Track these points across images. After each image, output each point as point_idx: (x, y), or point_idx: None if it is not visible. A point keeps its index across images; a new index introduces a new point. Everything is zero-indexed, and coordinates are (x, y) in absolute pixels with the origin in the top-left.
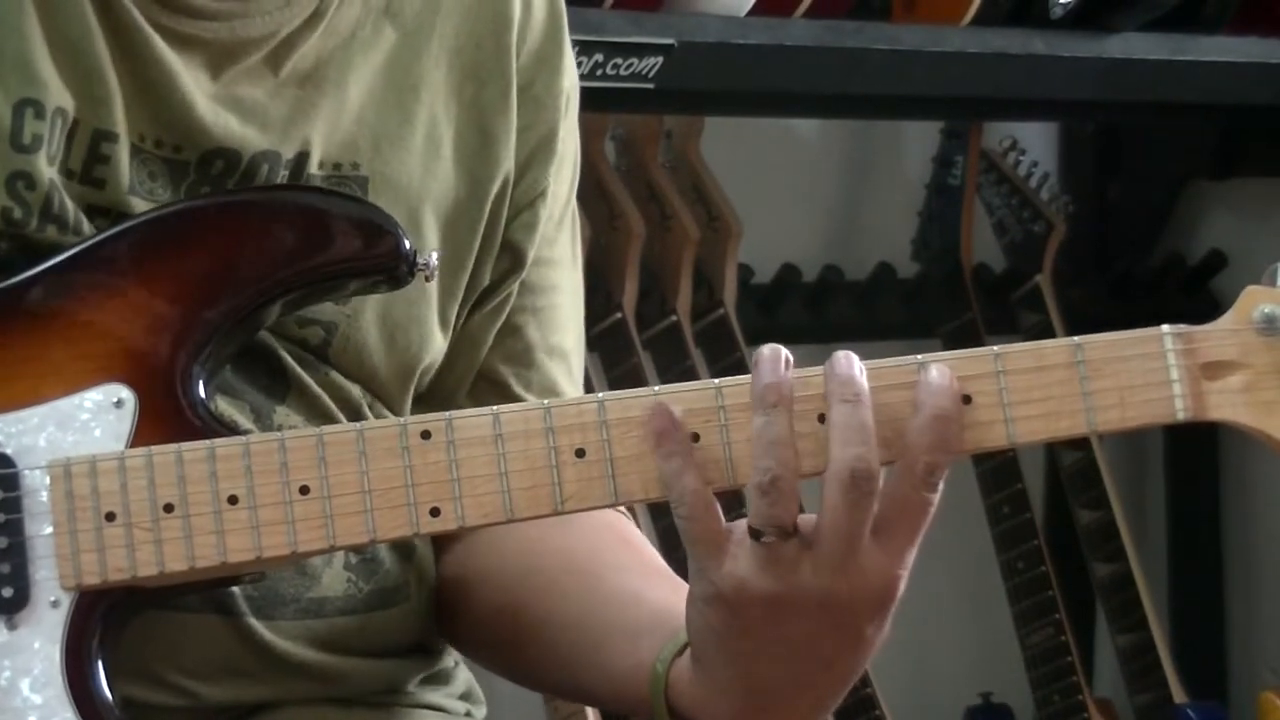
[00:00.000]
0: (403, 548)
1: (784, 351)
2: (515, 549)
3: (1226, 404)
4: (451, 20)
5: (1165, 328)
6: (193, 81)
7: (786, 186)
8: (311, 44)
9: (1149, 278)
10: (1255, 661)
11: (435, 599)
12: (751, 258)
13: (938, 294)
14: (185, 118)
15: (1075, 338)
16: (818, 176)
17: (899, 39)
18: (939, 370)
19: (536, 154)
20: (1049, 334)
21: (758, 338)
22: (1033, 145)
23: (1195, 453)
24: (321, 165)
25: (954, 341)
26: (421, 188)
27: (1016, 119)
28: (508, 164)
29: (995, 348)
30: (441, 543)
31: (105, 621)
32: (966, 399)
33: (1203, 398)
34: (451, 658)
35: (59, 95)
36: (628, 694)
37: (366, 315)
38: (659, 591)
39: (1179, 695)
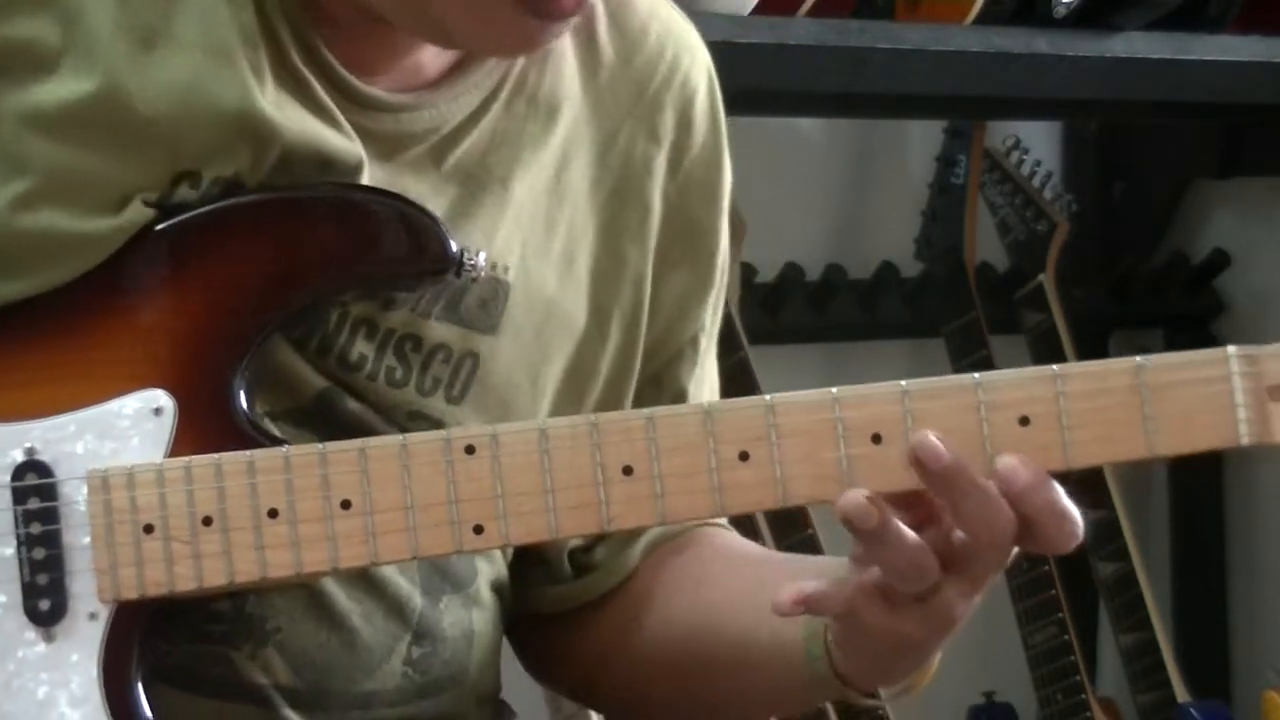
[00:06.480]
0: (468, 633)
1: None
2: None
3: None
4: (607, 129)
5: (1231, 349)
6: (367, 170)
7: (789, 185)
8: (475, 140)
9: (1152, 277)
10: (1258, 660)
11: (573, 673)
12: (754, 256)
13: (941, 293)
14: None
15: (1138, 358)
16: (821, 175)
17: (902, 38)
18: (1032, 476)
19: (695, 289)
20: (1053, 333)
21: (761, 336)
22: (1036, 144)
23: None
24: None
25: (957, 341)
26: (552, 302)
27: (1020, 118)
28: (642, 295)
29: (1055, 367)
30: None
31: (144, 635)
32: (1024, 420)
33: (1268, 421)
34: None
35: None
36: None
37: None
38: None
39: (1182, 694)
